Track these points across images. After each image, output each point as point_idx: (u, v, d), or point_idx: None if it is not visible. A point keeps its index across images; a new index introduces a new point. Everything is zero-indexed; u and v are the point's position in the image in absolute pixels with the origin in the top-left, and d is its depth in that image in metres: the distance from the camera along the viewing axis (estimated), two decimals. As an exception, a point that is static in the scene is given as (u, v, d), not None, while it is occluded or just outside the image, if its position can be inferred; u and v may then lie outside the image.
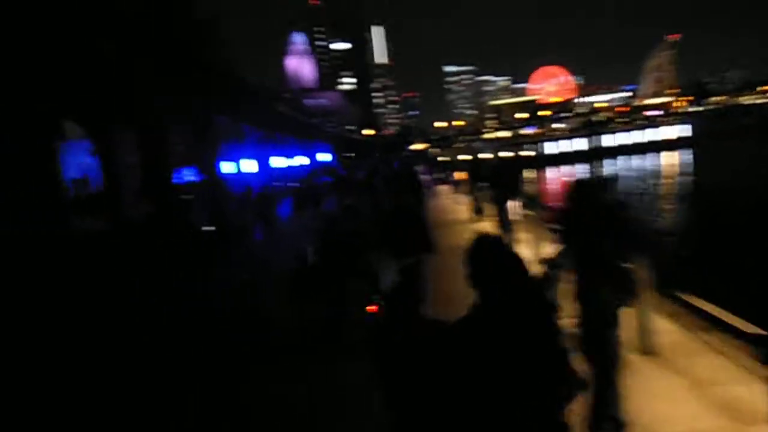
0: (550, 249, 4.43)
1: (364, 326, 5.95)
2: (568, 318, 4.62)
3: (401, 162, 30.63)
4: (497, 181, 10.04)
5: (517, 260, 2.17)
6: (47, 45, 8.79)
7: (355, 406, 4.37)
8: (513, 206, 9.47)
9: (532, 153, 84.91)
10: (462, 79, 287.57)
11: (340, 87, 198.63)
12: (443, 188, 19.09)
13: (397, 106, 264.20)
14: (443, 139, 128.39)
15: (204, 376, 5.51)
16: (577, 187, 3.73)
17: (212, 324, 6.93)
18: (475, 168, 15.43)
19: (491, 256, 2.14)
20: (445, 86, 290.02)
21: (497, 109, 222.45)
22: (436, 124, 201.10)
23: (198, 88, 16.57)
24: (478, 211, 13.64)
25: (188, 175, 18.10)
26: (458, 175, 20.05)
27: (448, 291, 5.34)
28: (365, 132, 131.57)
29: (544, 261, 3.53)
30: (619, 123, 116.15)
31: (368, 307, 2.95)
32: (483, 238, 2.27)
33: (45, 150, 7.51)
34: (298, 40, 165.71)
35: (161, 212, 12.24)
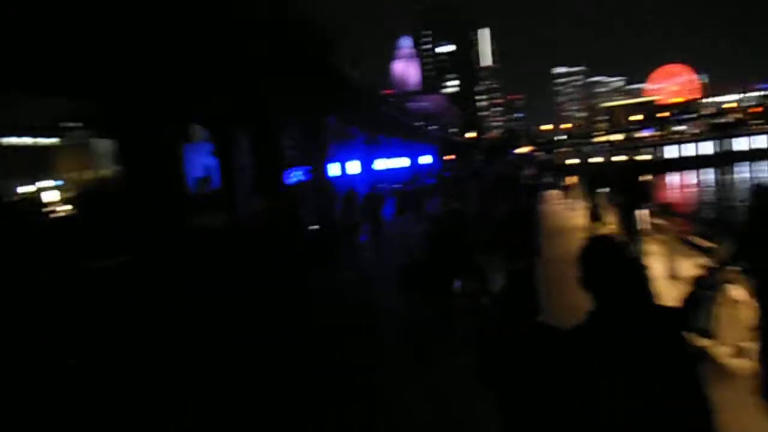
0: (690, 265, 3.94)
1: (472, 325, 6.05)
2: (729, 349, 4.13)
3: (506, 165, 29.80)
4: (623, 186, 9.22)
5: (638, 266, 1.98)
6: (174, 50, 9.40)
7: (461, 406, 4.37)
8: (641, 214, 8.64)
9: (648, 157, 79.25)
10: (572, 81, 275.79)
11: (444, 90, 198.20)
12: (552, 192, 18.19)
13: (501, 109, 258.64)
14: (550, 143, 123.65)
15: (323, 370, 5.59)
16: (761, 193, 3.12)
17: (322, 318, 7.07)
18: (593, 171, 14.47)
19: (606, 258, 1.96)
20: (554, 88, 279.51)
21: (609, 110, 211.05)
22: (543, 126, 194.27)
23: (310, 89, 17.09)
24: (596, 218, 12.72)
25: (298, 175, 18.75)
26: (569, 180, 18.95)
27: (563, 301, 5.02)
28: (468, 135, 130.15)
29: (697, 280, 3.03)
30: (754, 125, 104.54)
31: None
32: (598, 238, 2.16)
33: (172, 151, 8.01)
34: (405, 43, 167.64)
35: (272, 211, 12.71)
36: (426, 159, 50.21)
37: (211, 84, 11.08)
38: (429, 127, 70.08)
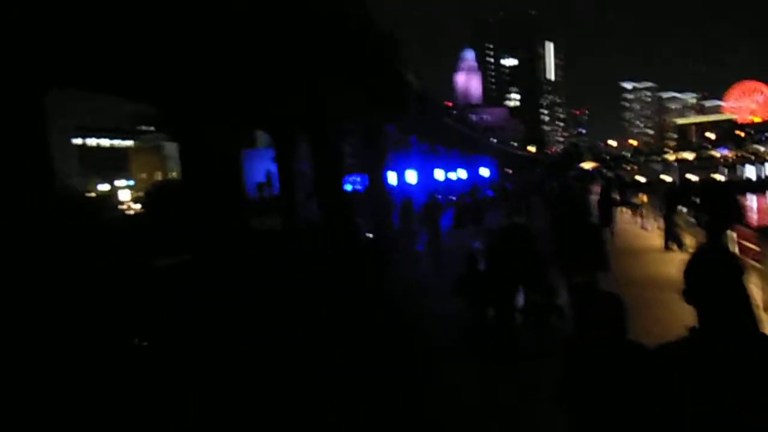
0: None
1: (534, 337, 5.94)
2: None
3: (570, 179, 28.81)
4: (712, 205, 8.42)
5: (746, 285, 1.80)
6: (237, 54, 9.52)
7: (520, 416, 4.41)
8: (732, 236, 7.86)
9: (721, 177, 74.90)
10: (640, 96, 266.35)
11: (507, 103, 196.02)
12: (620, 210, 17.26)
13: (564, 124, 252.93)
14: (616, 159, 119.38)
15: (371, 374, 5.54)
16: None
17: (378, 325, 7.02)
18: (673, 189, 13.41)
19: (720, 268, 1.78)
20: (621, 103, 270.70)
21: (681, 128, 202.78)
22: (608, 142, 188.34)
23: (371, 96, 17.07)
24: (676, 240, 11.50)
25: (356, 183, 18.74)
26: (639, 197, 17.82)
27: (641, 329, 4.61)
28: (529, 148, 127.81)
29: None
30: None
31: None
32: (709, 247, 2.16)
33: (229, 154, 8.06)
34: (468, 56, 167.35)
35: (329, 217, 12.68)
36: (485, 171, 49.49)
37: (272, 88, 11.18)
38: (489, 140, 69.22)
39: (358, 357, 6.00)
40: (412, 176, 24.41)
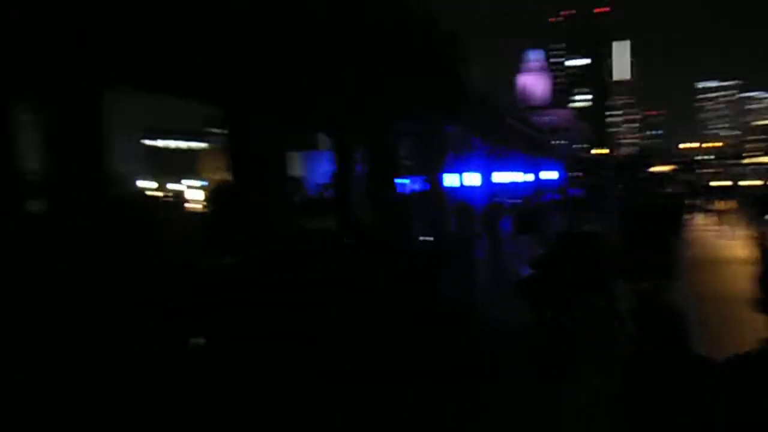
0: None
1: (595, 342, 5.83)
2: None
3: (641, 183, 27.32)
4: None
5: None
6: (305, 64, 9.48)
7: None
8: None
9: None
10: (720, 96, 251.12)
11: (574, 104, 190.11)
12: (699, 217, 16.00)
13: (636, 125, 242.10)
14: (693, 162, 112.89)
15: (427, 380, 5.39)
16: None
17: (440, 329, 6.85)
18: (760, 194, 12.18)
19: None
20: (697, 104, 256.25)
21: (766, 129, 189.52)
22: (684, 145, 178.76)
23: (431, 96, 16.74)
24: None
25: (413, 184, 18.44)
26: (721, 204, 16.43)
27: (722, 348, 4.11)
28: (597, 151, 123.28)
29: None
30: None
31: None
32: None
33: (279, 156, 8.00)
34: (534, 56, 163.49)
35: (384, 219, 12.47)
36: (550, 174, 47.93)
37: (327, 87, 11.08)
38: (555, 142, 67.15)
39: (410, 359, 5.89)
40: (472, 178, 23.84)
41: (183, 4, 6.90)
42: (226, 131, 7.97)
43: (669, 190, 18.50)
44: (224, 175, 10.42)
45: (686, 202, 16.67)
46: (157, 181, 49.21)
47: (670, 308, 2.40)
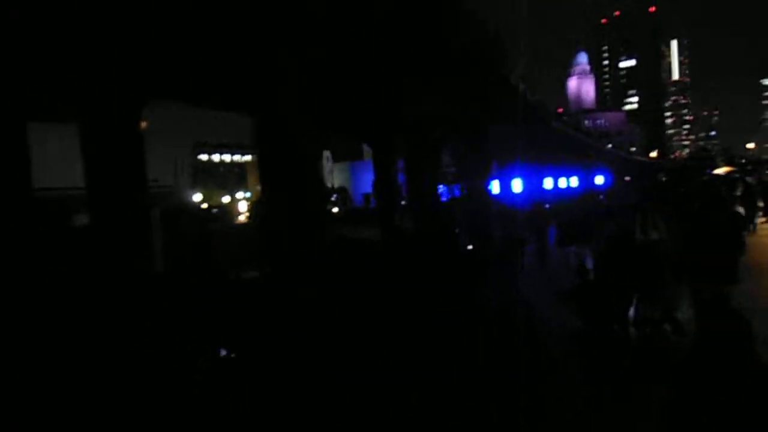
0: None
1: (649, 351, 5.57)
2: None
3: (701, 186, 25.96)
4: None
5: None
6: (334, 63, 9.39)
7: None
8: None
9: None
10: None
11: (626, 107, 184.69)
12: (763, 221, 14.95)
13: (690, 126, 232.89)
14: (755, 163, 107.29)
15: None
16: None
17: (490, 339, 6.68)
18: None
19: None
20: (761, 102, 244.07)
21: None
22: (746, 145, 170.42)
23: (474, 102, 16.43)
24: None
25: (458, 190, 18.11)
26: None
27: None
28: (651, 154, 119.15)
29: None
30: None
31: None
32: None
33: (311, 165, 7.91)
34: (582, 59, 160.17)
35: (427, 226, 12.22)
36: (600, 179, 46.45)
37: (364, 94, 10.95)
38: (605, 146, 65.23)
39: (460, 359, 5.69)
40: (518, 184, 23.24)
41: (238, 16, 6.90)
42: (265, 142, 7.92)
43: (738, 192, 17.26)
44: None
45: (758, 204, 15.59)
46: (210, 194, 50.65)
47: (735, 316, 2.22)
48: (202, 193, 47.90)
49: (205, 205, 44.65)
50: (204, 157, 68.51)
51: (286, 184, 6.77)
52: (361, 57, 9.93)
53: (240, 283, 6.43)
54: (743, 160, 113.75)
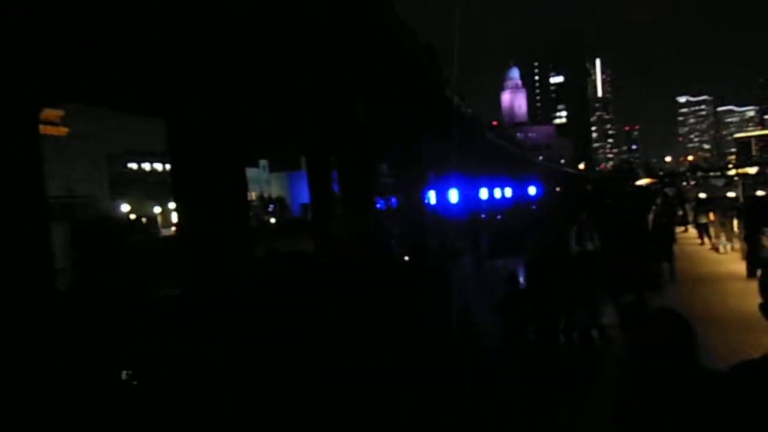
0: None
1: (578, 355, 5.73)
2: None
3: (624, 197, 27.19)
4: None
5: None
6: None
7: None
8: None
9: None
10: (697, 111, 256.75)
11: (556, 120, 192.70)
12: (682, 230, 15.69)
13: (613, 140, 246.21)
14: (672, 175, 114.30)
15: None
16: None
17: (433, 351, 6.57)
18: (757, 205, 11.69)
19: None
20: (676, 118, 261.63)
21: (740, 142, 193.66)
22: (664, 158, 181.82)
23: (409, 114, 16.42)
24: (763, 264, 9.62)
25: (392, 203, 18.01)
26: (707, 216, 16.07)
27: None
28: (580, 166, 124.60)
29: None
30: None
31: None
32: None
33: (233, 177, 7.49)
34: (514, 75, 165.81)
35: (361, 238, 11.98)
36: (531, 190, 48.01)
37: (304, 108, 10.61)
38: (536, 158, 67.59)
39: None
40: (453, 195, 23.48)
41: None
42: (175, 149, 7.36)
43: (658, 201, 18.11)
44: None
45: (677, 213, 16.39)
46: (139, 204, 48.35)
47: (655, 319, 2.25)
48: (129, 203, 45.47)
49: (132, 216, 42.42)
50: (134, 165, 65.38)
51: (199, 194, 6.30)
52: (283, 59, 9.61)
53: (147, 301, 5.94)
54: (661, 173, 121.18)
